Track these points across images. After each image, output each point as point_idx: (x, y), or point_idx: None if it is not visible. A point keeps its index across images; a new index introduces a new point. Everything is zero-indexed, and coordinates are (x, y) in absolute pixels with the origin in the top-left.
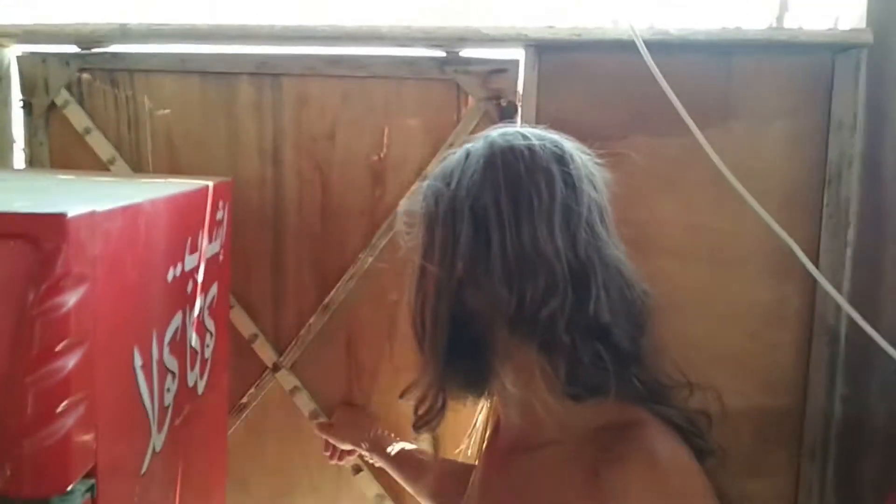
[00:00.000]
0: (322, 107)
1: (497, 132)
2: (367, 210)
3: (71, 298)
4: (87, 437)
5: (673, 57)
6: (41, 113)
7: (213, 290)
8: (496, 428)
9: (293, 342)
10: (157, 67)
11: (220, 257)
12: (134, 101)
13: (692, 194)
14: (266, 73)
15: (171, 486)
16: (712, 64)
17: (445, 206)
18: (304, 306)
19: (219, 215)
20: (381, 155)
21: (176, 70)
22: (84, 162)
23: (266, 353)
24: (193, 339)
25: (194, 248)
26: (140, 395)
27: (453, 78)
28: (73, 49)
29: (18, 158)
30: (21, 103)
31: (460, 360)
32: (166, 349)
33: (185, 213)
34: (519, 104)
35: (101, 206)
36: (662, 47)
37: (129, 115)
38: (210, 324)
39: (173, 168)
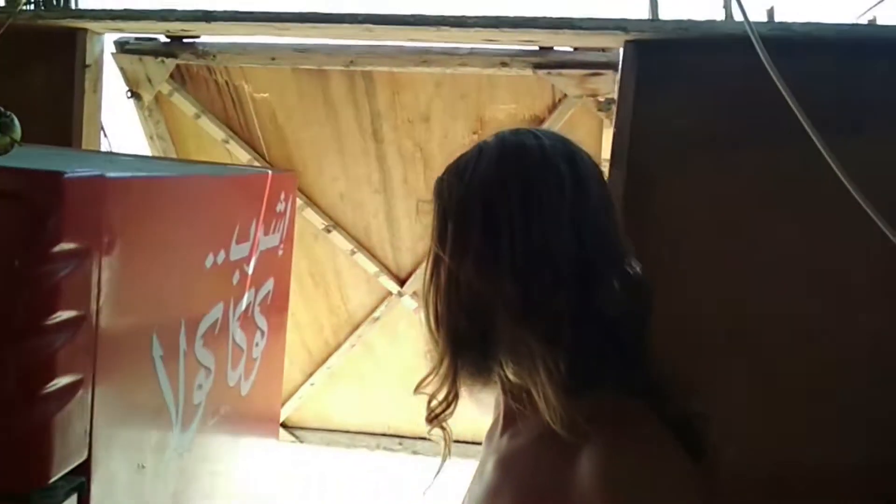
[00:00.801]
0: (415, 93)
1: (509, 131)
2: None
3: (66, 267)
4: (79, 427)
5: (794, 57)
6: (151, 100)
7: (269, 285)
8: (496, 418)
9: (410, 277)
10: (248, 63)
11: (280, 252)
12: (233, 85)
13: (811, 213)
14: (356, 68)
15: (195, 492)
16: (841, 65)
17: (458, 199)
18: (418, 251)
19: (279, 207)
20: (478, 134)
21: (266, 65)
22: (204, 142)
23: (389, 285)
24: (238, 336)
25: (244, 238)
26: (159, 387)
27: (547, 79)
28: (163, 40)
29: (105, 144)
30: (129, 93)
31: (470, 349)
32: (199, 342)
33: (235, 199)
34: (614, 107)
35: (116, 173)
36: (783, 45)
37: (233, 98)
38: (262, 321)
39: (283, 144)
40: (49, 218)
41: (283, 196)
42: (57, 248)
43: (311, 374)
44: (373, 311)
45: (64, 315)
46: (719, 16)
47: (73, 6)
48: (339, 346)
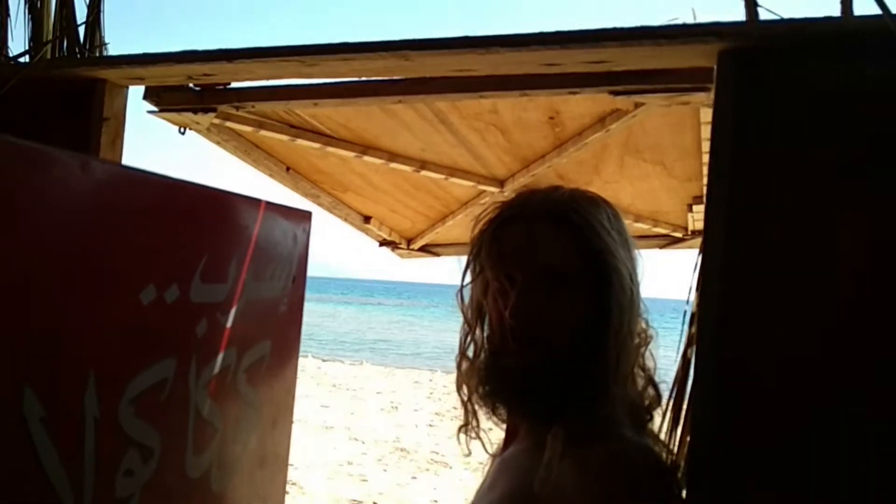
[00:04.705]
0: (477, 101)
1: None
2: (549, 135)
3: None
4: None
5: None
6: (205, 128)
7: (262, 348)
8: (507, 439)
9: (510, 179)
10: (289, 108)
11: (283, 307)
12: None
13: None
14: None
15: None
16: None
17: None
18: (506, 161)
19: (282, 248)
20: (554, 118)
21: (306, 108)
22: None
23: (490, 188)
24: (206, 408)
25: (217, 277)
26: (40, 466)
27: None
28: (194, 88)
29: None
30: (181, 131)
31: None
32: (127, 408)
33: (201, 221)
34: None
35: None
36: None
37: (284, 110)
38: (251, 394)
39: (349, 130)
40: None
41: (287, 235)
42: None
43: (433, 225)
44: (477, 195)
45: None
46: (833, 12)
47: (97, 54)
48: (452, 213)
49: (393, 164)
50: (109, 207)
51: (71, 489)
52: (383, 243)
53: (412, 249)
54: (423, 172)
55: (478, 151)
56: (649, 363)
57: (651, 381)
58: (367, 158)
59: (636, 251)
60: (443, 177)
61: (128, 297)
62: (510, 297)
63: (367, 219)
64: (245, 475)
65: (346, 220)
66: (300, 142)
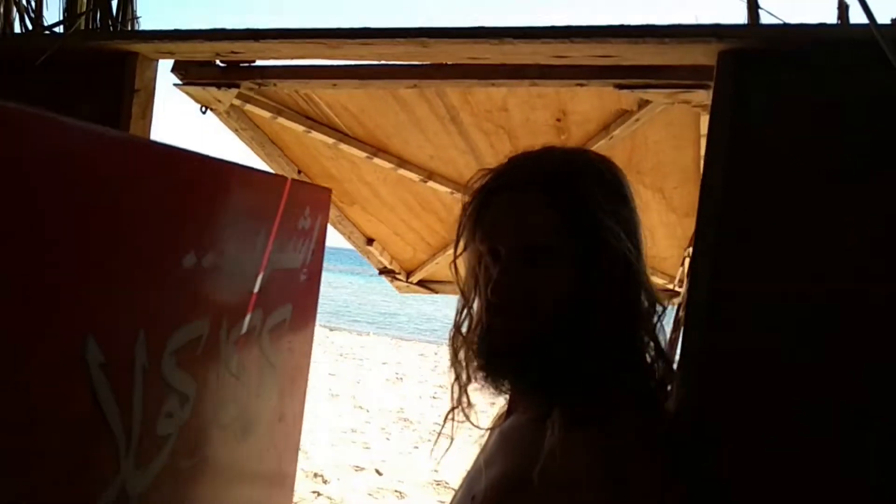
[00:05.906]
0: (488, 94)
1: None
2: (555, 143)
3: None
4: None
5: None
6: (226, 110)
7: (284, 311)
8: (508, 408)
9: None
10: (309, 89)
11: (303, 277)
12: (303, 92)
13: None
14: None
15: None
16: None
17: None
18: None
19: (302, 223)
20: (561, 120)
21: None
22: (287, 134)
23: None
24: (234, 364)
25: (246, 247)
26: (98, 404)
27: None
28: (220, 65)
29: None
30: (202, 109)
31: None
32: (169, 359)
33: (231, 194)
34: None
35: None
36: None
37: (304, 98)
38: (273, 354)
39: (362, 126)
40: None
41: (307, 211)
42: None
43: (434, 255)
44: None
45: None
46: (830, 19)
47: (129, 28)
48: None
49: (402, 171)
50: (162, 185)
51: (123, 428)
52: (383, 271)
53: (410, 283)
54: (430, 183)
55: (485, 160)
56: (659, 334)
57: (661, 353)
58: (377, 161)
59: (637, 213)
60: (449, 191)
61: (173, 262)
62: (494, 273)
63: (370, 241)
64: (266, 427)
65: (349, 237)
66: (314, 135)
